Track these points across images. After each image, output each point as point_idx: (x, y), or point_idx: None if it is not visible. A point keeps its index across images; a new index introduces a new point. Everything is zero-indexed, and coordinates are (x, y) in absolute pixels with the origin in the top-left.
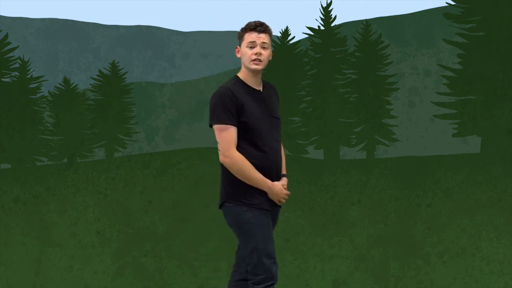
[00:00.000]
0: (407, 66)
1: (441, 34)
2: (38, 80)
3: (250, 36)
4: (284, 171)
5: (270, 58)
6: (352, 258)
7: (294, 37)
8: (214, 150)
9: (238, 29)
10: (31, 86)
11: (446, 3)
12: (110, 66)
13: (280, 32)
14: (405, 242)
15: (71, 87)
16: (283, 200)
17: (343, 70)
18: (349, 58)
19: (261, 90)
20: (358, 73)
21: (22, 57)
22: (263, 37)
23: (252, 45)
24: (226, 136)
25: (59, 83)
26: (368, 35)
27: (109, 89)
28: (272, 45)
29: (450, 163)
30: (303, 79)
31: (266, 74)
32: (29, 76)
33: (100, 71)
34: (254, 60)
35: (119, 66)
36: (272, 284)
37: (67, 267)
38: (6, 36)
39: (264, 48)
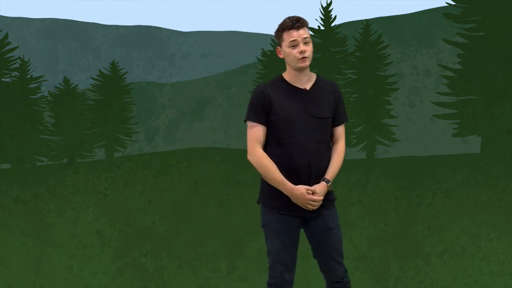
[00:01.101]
0: (407, 66)
1: (441, 34)
2: (38, 80)
3: (290, 35)
4: (328, 175)
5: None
6: (352, 258)
7: None
8: (214, 150)
9: (238, 29)
10: (31, 86)
11: (446, 3)
12: (110, 66)
13: None
14: (405, 242)
15: (71, 87)
16: (309, 206)
17: (343, 70)
18: (349, 58)
19: (308, 88)
20: (358, 73)
21: (22, 57)
22: (303, 33)
23: (294, 44)
24: (251, 135)
25: (59, 83)
26: (368, 35)
27: (109, 89)
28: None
29: (450, 163)
30: None
31: (267, 74)
32: (29, 76)
33: (100, 71)
34: (301, 58)
35: (119, 66)
36: None
37: (67, 267)
38: (6, 36)
39: (306, 43)
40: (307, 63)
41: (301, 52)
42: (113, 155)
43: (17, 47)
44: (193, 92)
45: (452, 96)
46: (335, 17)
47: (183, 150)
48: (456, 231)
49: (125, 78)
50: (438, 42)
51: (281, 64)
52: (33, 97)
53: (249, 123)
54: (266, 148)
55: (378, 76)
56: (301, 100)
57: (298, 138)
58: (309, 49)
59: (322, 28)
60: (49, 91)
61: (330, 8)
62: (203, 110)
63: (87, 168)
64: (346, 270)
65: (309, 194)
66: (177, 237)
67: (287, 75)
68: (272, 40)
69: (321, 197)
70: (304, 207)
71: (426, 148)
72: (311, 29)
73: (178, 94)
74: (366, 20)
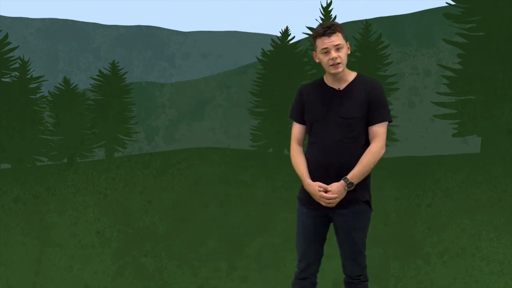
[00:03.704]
0: (407, 66)
1: (441, 34)
2: (38, 80)
3: (322, 42)
4: (349, 175)
5: (349, 52)
6: None
7: (294, 37)
8: (214, 150)
9: (238, 29)
10: (31, 86)
11: (446, 3)
12: (110, 66)
13: (280, 32)
14: (405, 242)
15: (71, 87)
16: (323, 203)
17: None
18: (349, 58)
19: (341, 88)
20: (358, 73)
21: (22, 57)
22: (334, 39)
23: (326, 51)
24: (292, 132)
25: (59, 83)
26: (368, 35)
27: (109, 89)
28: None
29: (450, 163)
30: (303, 79)
31: (267, 74)
32: (29, 76)
33: (100, 71)
34: (332, 65)
35: (119, 66)
36: (296, 278)
37: (67, 267)
38: (6, 36)
39: (338, 49)
40: (339, 69)
41: (332, 59)
42: (113, 155)
43: (17, 47)
44: (193, 92)
45: (452, 96)
46: (335, 17)
47: (183, 150)
48: (456, 231)
49: (125, 78)
50: (438, 42)
51: (282, 65)
52: (33, 97)
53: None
54: (307, 146)
55: (378, 76)
56: (332, 100)
57: (322, 138)
58: (341, 55)
59: None
60: (49, 91)
61: (330, 8)
62: (203, 110)
63: (87, 168)
64: (364, 268)
65: (321, 191)
66: (177, 237)
67: (326, 77)
68: (272, 40)
69: (334, 195)
70: (322, 203)
71: (426, 148)
72: (311, 29)
73: (178, 94)
74: (366, 20)
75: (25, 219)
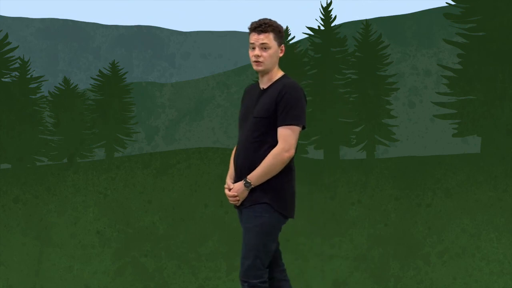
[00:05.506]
0: (407, 66)
1: (441, 34)
2: (38, 80)
3: (251, 38)
4: (249, 175)
5: (281, 54)
6: (352, 258)
7: (294, 37)
8: (214, 150)
9: (238, 29)
10: (31, 86)
11: (446, 3)
12: (110, 66)
13: None
14: (405, 242)
15: (71, 87)
16: (230, 201)
17: (343, 70)
18: (349, 58)
19: (265, 88)
20: (358, 73)
21: (22, 57)
22: (262, 38)
23: (252, 47)
24: None
25: (59, 83)
26: (368, 35)
27: (109, 89)
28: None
29: (450, 163)
30: (303, 79)
31: None
32: (29, 76)
33: (100, 71)
34: (254, 62)
35: (119, 66)
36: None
37: (67, 267)
38: (6, 36)
39: (264, 48)
40: (260, 67)
41: (255, 56)
42: (113, 155)
43: (17, 47)
44: (193, 92)
45: (452, 96)
46: (335, 17)
47: (183, 150)
48: (456, 231)
49: (125, 78)
50: (438, 42)
51: (282, 65)
52: (33, 97)
53: None
54: None
55: (378, 76)
56: (255, 100)
57: (239, 138)
58: (265, 55)
59: (322, 28)
60: (49, 91)
61: (330, 8)
62: (203, 110)
63: (87, 168)
64: (250, 276)
65: (226, 189)
66: (177, 237)
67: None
68: None
69: (233, 194)
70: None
71: (426, 148)
72: (311, 29)
73: (178, 94)
74: (366, 20)
75: (25, 219)
